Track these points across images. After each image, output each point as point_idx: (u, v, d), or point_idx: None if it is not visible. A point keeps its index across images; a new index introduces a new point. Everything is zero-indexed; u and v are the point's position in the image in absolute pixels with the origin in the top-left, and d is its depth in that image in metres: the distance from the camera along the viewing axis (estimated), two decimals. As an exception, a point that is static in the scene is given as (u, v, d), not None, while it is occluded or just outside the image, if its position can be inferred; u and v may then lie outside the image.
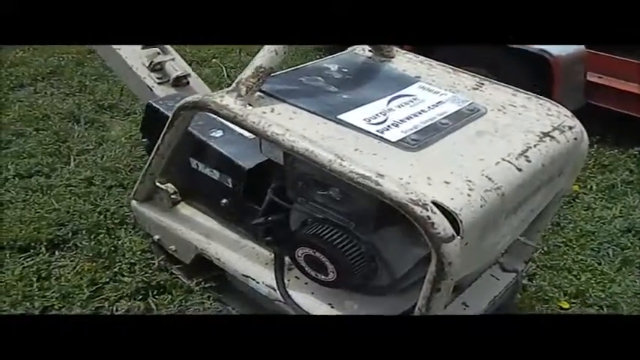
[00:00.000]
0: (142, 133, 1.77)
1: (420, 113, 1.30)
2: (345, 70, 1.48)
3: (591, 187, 2.53)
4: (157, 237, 1.66)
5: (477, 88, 1.46)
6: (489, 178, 1.11)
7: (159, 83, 1.86)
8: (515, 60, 2.62)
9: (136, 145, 2.38)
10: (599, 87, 2.74)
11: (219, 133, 1.53)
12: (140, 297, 1.63)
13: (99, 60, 3.23)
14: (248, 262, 1.45)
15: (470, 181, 1.09)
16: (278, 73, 1.37)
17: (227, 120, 1.23)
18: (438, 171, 1.10)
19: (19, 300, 1.61)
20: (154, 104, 1.65)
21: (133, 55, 1.88)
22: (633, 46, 2.54)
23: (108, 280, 1.67)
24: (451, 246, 1.00)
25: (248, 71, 1.26)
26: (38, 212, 1.93)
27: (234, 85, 1.26)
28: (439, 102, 1.36)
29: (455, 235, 1.01)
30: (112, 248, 1.78)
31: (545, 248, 2.05)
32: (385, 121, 1.25)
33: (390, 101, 1.34)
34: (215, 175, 1.50)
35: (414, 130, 1.22)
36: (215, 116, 1.57)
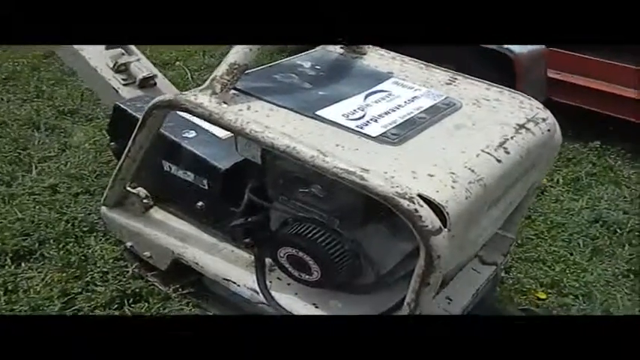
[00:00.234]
0: (109, 137, 1.70)
1: (398, 108, 1.30)
2: (318, 67, 1.47)
3: (558, 180, 2.58)
4: (129, 244, 1.60)
5: (450, 83, 1.47)
6: (472, 170, 1.11)
7: (124, 85, 1.80)
8: (480, 57, 2.66)
9: (101, 151, 2.30)
10: (558, 83, 2.81)
11: (191, 134, 1.49)
12: (115, 306, 1.56)
13: (56, 64, 3.13)
14: (228, 265, 1.41)
15: (453, 173, 1.08)
16: (250, 70, 1.34)
17: (202, 118, 1.19)
18: (421, 164, 1.10)
19: (-15, 315, 1.52)
20: (121, 105, 1.59)
21: (97, 56, 1.81)
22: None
23: (80, 290, 1.60)
24: (439, 238, 0.99)
25: (222, 68, 1.23)
26: (1, 222, 1.84)
27: (207, 82, 1.23)
28: (414, 97, 1.36)
29: (442, 227, 1.00)
30: (83, 257, 1.71)
31: (519, 241, 2.08)
32: (364, 116, 1.24)
33: (366, 97, 1.33)
34: (189, 177, 1.46)
35: (394, 125, 1.22)
36: (186, 116, 1.54)
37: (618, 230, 2.25)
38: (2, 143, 2.34)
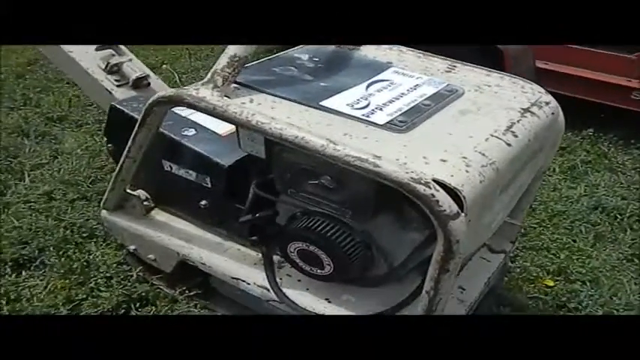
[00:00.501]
0: (106, 139, 1.66)
1: (401, 96, 1.28)
2: (317, 59, 1.45)
3: (554, 169, 2.58)
4: (132, 247, 1.56)
5: (449, 71, 1.45)
6: (483, 154, 1.10)
7: (118, 86, 1.76)
8: (469, 50, 2.66)
9: (94, 157, 2.25)
10: (547, 73, 2.83)
11: (191, 132, 1.46)
12: (122, 311, 1.52)
13: (40, 72, 3.09)
14: (236, 264, 1.38)
15: (465, 158, 1.07)
16: (248, 64, 1.31)
17: (206, 112, 1.16)
18: (432, 150, 1.08)
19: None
20: (117, 106, 1.56)
21: (87, 58, 1.77)
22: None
23: (85, 296, 1.55)
24: (457, 223, 0.97)
25: (222, 61, 1.20)
26: (-3, 231, 1.80)
27: (208, 76, 1.20)
28: (416, 85, 1.34)
29: (460, 212, 0.98)
30: (85, 263, 1.66)
31: (523, 230, 2.07)
32: (368, 105, 1.22)
33: (368, 87, 1.32)
34: (191, 175, 1.43)
35: (399, 113, 1.20)
36: (184, 114, 1.51)
37: (618, 216, 2.25)
38: (-8, 152, 2.29)
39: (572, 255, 1.99)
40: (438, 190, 0.97)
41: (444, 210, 0.96)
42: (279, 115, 1.14)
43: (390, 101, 1.25)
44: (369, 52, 1.53)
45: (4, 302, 1.54)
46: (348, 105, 1.21)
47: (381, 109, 1.21)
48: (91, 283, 1.59)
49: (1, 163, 2.20)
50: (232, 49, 1.20)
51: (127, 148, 1.35)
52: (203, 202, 1.43)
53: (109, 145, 1.64)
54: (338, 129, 1.12)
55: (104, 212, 1.57)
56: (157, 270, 1.56)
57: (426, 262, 1.21)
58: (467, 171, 1.03)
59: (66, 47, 1.77)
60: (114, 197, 1.51)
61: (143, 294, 1.55)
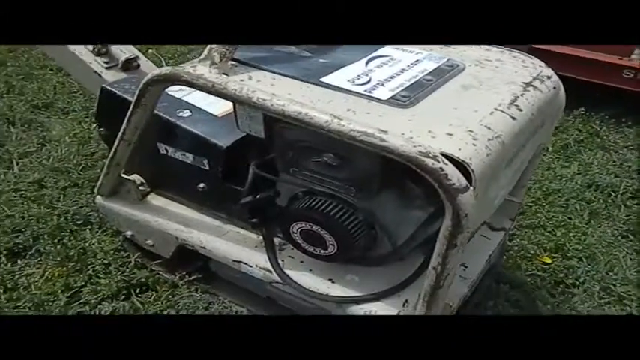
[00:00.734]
0: (97, 123, 1.62)
1: (402, 72, 1.26)
2: None
3: (547, 148, 2.59)
4: (129, 233, 1.53)
5: (448, 46, 1.43)
6: (489, 128, 1.08)
7: (107, 68, 1.71)
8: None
9: (84, 144, 2.20)
10: (538, 51, 2.80)
11: (186, 113, 1.42)
12: (123, 297, 1.49)
13: (22, 59, 3.01)
14: (236, 246, 1.35)
15: (472, 131, 1.05)
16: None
17: (204, 90, 1.13)
18: (437, 124, 1.06)
19: (-13, 315, 1.44)
20: (109, 88, 1.51)
21: None
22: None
23: (84, 283, 1.52)
24: (466, 196, 0.95)
25: (220, 38, 1.17)
26: (-11, 220, 1.75)
27: (205, 53, 1.17)
28: (416, 60, 1.32)
29: (468, 185, 0.96)
30: (81, 250, 1.63)
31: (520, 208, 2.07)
32: (369, 81, 1.20)
33: (367, 62, 1.29)
34: (188, 158, 1.39)
35: (402, 88, 1.18)
36: (178, 95, 1.48)
37: (612, 193, 2.27)
38: (-22, 142, 2.23)
39: (568, 232, 2.00)
40: (446, 164, 0.95)
41: (453, 184, 0.94)
42: (279, 91, 1.11)
43: (391, 77, 1.23)
44: (365, 29, 1.50)
45: (1, 291, 1.50)
46: (349, 81, 1.19)
47: (382, 85, 1.18)
48: (88, 270, 1.56)
49: (-13, 152, 2.15)
50: (229, 26, 1.17)
51: (121, 131, 1.31)
52: (201, 185, 1.40)
53: (101, 129, 1.59)
54: (341, 105, 1.09)
55: (99, 198, 1.54)
56: (155, 255, 1.53)
57: (429, 239, 1.21)
58: (474, 144, 1.02)
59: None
60: (109, 182, 1.47)
61: (143, 279, 1.53)
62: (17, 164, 2.05)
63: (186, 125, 1.38)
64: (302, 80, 1.17)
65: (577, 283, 1.77)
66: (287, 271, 1.27)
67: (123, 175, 1.47)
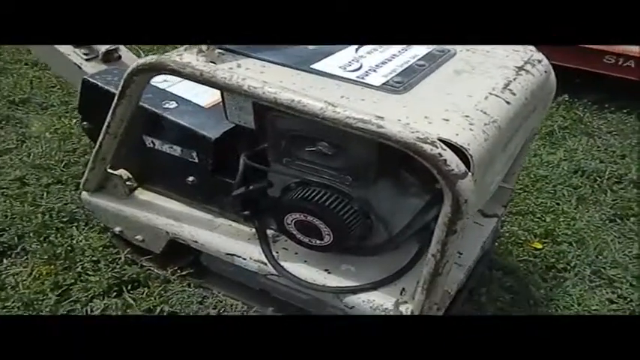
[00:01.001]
0: (80, 116, 1.57)
1: (393, 58, 1.24)
2: None
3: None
4: (118, 229, 1.49)
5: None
6: (485, 112, 1.07)
7: (87, 60, 1.67)
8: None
9: (65, 139, 2.14)
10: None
11: (172, 104, 1.38)
12: (114, 294, 1.46)
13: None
14: (229, 240, 1.33)
15: (468, 116, 1.03)
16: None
17: (192, 79, 1.09)
18: (432, 110, 1.04)
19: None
20: (90, 80, 1.46)
21: None
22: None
23: (73, 281, 1.48)
24: (466, 182, 0.94)
25: (207, 26, 1.13)
26: (-29, 220, 1.69)
27: (192, 41, 1.14)
28: (407, 46, 1.30)
29: (467, 171, 0.95)
30: (69, 248, 1.58)
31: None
32: (361, 67, 1.18)
33: (357, 49, 1.27)
34: (176, 151, 1.36)
35: (394, 74, 1.16)
36: (163, 87, 1.44)
37: (598, 178, 2.29)
38: (-47, 139, 2.16)
39: (557, 218, 2.01)
40: (444, 149, 0.94)
41: (452, 169, 0.93)
42: (270, 79, 1.08)
43: (383, 62, 1.21)
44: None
45: (-13, 291, 1.46)
46: (340, 68, 1.16)
47: (374, 71, 1.16)
48: (77, 267, 1.52)
49: (-36, 150, 2.08)
50: (216, 13, 1.14)
51: (106, 124, 1.27)
52: (190, 179, 1.36)
53: (84, 122, 1.54)
54: (333, 92, 1.07)
55: (85, 194, 1.49)
56: (145, 251, 1.50)
57: (425, 228, 1.20)
58: (471, 129, 1.00)
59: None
60: (94, 178, 1.43)
61: (134, 276, 1.49)
62: (-4, 162, 2.00)
63: (172, 117, 1.34)
64: (292, 67, 1.15)
65: (568, 267, 1.78)
66: (282, 263, 1.25)
67: (109, 170, 1.43)
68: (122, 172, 1.46)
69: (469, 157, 0.96)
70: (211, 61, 1.12)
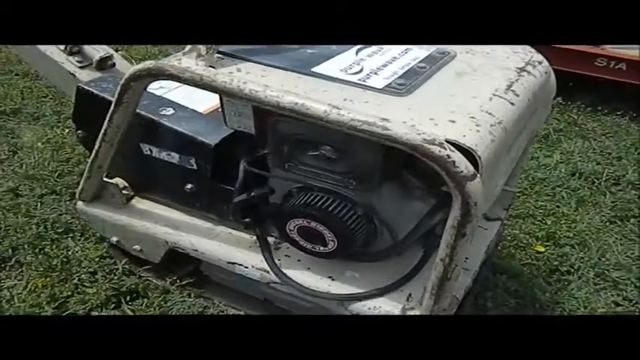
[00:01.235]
0: (75, 125, 1.53)
1: (394, 60, 1.23)
2: None
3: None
4: (115, 239, 1.45)
5: (437, 37, 1.40)
6: (490, 113, 1.05)
7: (81, 67, 1.64)
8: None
9: (57, 149, 2.11)
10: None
11: (170, 111, 1.36)
12: (112, 305, 1.42)
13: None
14: (230, 248, 1.30)
15: (474, 118, 1.02)
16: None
17: (191, 84, 1.07)
18: (437, 111, 1.02)
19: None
20: (85, 88, 1.43)
21: None
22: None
23: (70, 293, 1.44)
24: (475, 184, 0.92)
25: (205, 30, 1.11)
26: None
27: (189, 46, 1.11)
28: (407, 49, 1.29)
29: (476, 172, 0.93)
30: (64, 259, 1.54)
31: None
32: (362, 70, 1.16)
33: (357, 52, 1.26)
34: (174, 158, 1.33)
35: (396, 76, 1.14)
36: (159, 94, 1.41)
37: (596, 180, 2.29)
38: (-55, 150, 2.12)
39: (558, 220, 2.00)
40: (453, 151, 0.92)
41: (461, 171, 0.91)
42: (271, 82, 1.06)
43: (384, 65, 1.19)
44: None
45: (-18, 305, 1.42)
46: (341, 70, 1.14)
47: (376, 74, 1.15)
48: (74, 279, 1.48)
49: (-45, 161, 2.04)
50: (214, 17, 1.11)
51: (102, 131, 1.24)
52: (189, 186, 1.34)
53: (79, 131, 1.51)
54: (336, 95, 1.05)
55: (80, 204, 1.46)
56: (143, 261, 1.46)
57: (430, 232, 1.18)
58: (478, 131, 0.99)
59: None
60: (90, 187, 1.39)
61: (132, 286, 1.46)
62: (-12, 173, 1.96)
63: (170, 123, 1.32)
64: (293, 71, 1.13)
65: (572, 270, 1.76)
66: (285, 271, 1.22)
67: (105, 179, 1.39)
68: (119, 180, 1.43)
69: (477, 158, 0.94)
70: (211, 66, 1.10)
